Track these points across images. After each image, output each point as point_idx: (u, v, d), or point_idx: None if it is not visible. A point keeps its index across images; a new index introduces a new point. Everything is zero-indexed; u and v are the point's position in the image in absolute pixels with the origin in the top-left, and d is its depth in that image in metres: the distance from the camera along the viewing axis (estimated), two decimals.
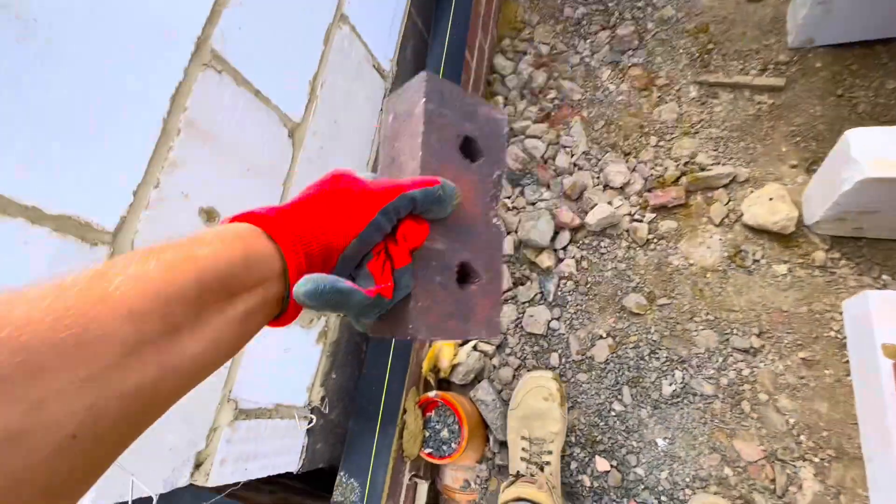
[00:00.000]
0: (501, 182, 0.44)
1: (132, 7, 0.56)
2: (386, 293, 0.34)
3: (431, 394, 0.94)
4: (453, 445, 0.91)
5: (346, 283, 0.31)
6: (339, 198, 0.33)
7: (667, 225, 1.07)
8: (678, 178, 1.10)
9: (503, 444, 1.01)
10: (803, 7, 1.01)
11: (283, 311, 0.32)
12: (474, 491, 1.01)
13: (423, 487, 0.98)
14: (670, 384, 0.96)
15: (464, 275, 0.40)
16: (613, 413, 0.98)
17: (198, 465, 0.73)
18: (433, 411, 0.95)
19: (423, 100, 0.39)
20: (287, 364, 0.91)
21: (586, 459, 0.96)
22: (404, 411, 0.93)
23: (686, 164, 1.11)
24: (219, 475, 0.75)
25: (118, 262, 0.24)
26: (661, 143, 1.15)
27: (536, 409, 0.93)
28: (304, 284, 0.30)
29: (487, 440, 1.03)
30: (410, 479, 0.98)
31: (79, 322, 0.21)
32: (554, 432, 0.92)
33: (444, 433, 0.92)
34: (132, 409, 0.22)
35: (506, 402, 1.04)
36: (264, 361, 0.85)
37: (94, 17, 0.52)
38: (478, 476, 1.01)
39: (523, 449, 0.90)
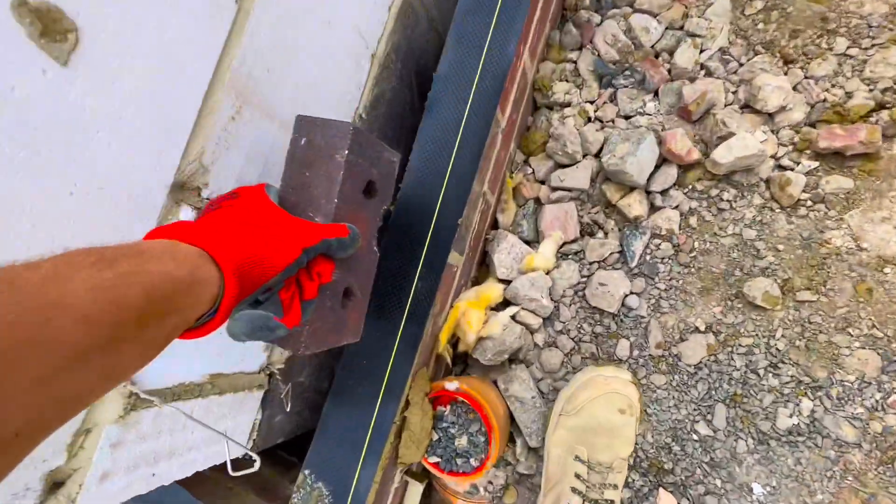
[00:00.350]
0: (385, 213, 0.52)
1: None
2: (295, 323, 0.39)
3: (450, 385, 0.63)
4: (472, 462, 0.62)
5: (274, 321, 0.38)
6: (271, 230, 0.38)
7: (835, 182, 0.70)
8: (870, 113, 0.70)
9: (534, 451, 0.74)
10: None
11: (199, 325, 0.33)
12: (483, 498, 0.75)
13: (415, 491, 0.72)
14: (791, 415, 0.66)
15: (345, 296, 0.48)
16: (695, 437, 0.70)
17: (53, 488, 0.43)
18: (448, 406, 0.65)
19: (347, 151, 0.45)
20: None
21: (645, 490, 0.70)
22: (406, 404, 0.62)
23: (888, 91, 0.70)
24: (99, 496, 0.45)
25: (71, 263, 0.24)
26: (853, 52, 0.74)
27: (607, 422, 0.64)
28: (239, 325, 0.37)
29: (512, 439, 0.76)
30: (401, 480, 0.71)
31: (35, 322, 0.21)
32: (623, 458, 0.64)
33: (462, 442, 0.63)
34: (67, 412, 0.23)
35: (544, 397, 0.74)
36: None
37: None
38: (490, 482, 0.75)
39: (577, 475, 0.62)
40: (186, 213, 0.47)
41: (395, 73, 0.78)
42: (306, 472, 0.64)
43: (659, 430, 0.71)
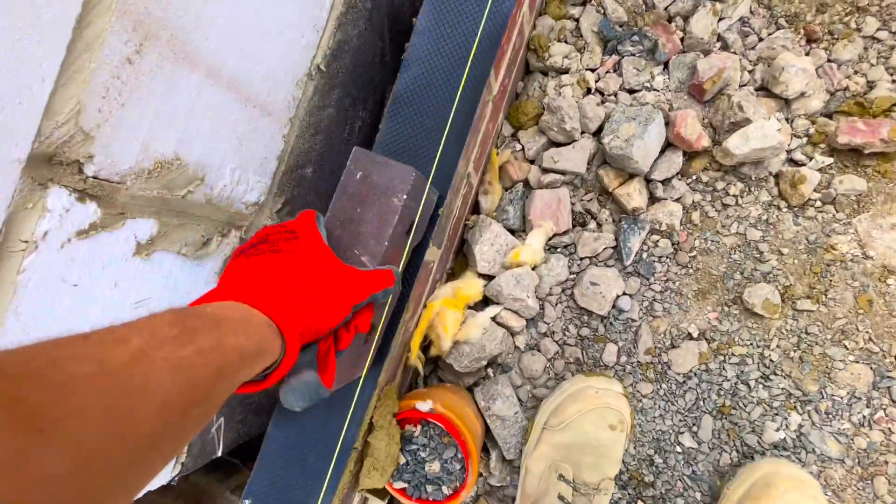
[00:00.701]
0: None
1: None
2: (332, 380, 0.39)
3: (423, 406, 0.54)
4: (444, 490, 0.54)
5: (322, 387, 0.37)
6: (328, 290, 0.38)
7: (849, 182, 0.64)
8: (892, 107, 0.64)
9: (509, 462, 0.67)
10: None
11: (250, 382, 0.33)
12: None
13: None
14: (778, 429, 0.63)
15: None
16: (679, 449, 0.66)
17: None
18: (419, 425, 0.56)
19: (405, 196, 0.45)
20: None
21: (623, 503, 0.66)
22: (370, 427, 0.53)
23: None
24: None
25: (155, 335, 0.24)
26: (882, 36, 0.66)
27: (596, 440, 0.58)
28: (295, 396, 0.36)
29: (485, 449, 0.69)
30: (361, 499, 0.63)
31: (122, 413, 0.21)
32: (610, 478, 0.58)
33: (434, 467, 0.55)
34: (124, 498, 0.23)
35: (523, 405, 0.67)
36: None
37: None
38: None
39: (561, 497, 0.56)
40: (60, 198, 0.33)
41: (364, 16, 0.62)
42: (246, 502, 0.54)
43: (642, 442, 0.67)
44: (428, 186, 0.49)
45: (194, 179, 0.44)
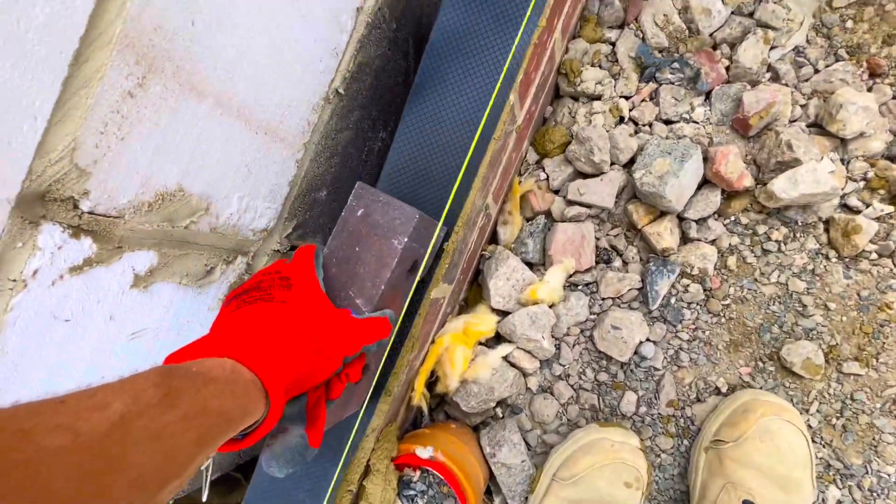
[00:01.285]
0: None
1: None
2: (319, 437, 0.37)
3: (423, 453, 0.51)
4: None
5: (309, 447, 0.36)
6: (319, 342, 0.36)
7: None
8: None
9: None
10: None
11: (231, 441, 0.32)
12: None
13: None
14: (814, 503, 0.57)
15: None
16: None
17: None
18: (417, 471, 0.53)
19: (407, 238, 0.42)
20: (129, 363, 0.43)
21: None
22: (367, 471, 0.50)
23: None
24: None
25: (138, 400, 0.23)
26: None
27: (610, 497, 0.54)
28: (283, 467, 0.35)
29: (489, 492, 0.66)
30: None
31: (93, 491, 0.19)
32: None
33: None
34: None
35: (532, 450, 0.64)
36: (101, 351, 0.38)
37: None
38: None
39: None
40: (53, 235, 0.32)
41: (388, 36, 0.60)
42: None
43: (659, 501, 0.62)
44: (439, 227, 0.47)
45: (198, 210, 0.42)
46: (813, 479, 0.55)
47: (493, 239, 0.70)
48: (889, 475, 0.56)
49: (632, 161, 0.65)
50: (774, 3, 0.64)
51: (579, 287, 0.66)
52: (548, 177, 0.68)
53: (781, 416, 0.55)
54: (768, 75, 0.65)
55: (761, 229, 0.62)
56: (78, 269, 0.35)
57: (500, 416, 0.65)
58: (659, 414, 0.63)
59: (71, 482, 0.18)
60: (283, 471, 0.34)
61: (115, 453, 0.20)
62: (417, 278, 0.47)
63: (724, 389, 0.61)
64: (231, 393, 0.29)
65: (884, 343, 0.58)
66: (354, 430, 0.49)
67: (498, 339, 0.65)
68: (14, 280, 0.31)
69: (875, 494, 0.57)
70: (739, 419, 0.56)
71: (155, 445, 0.22)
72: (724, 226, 0.64)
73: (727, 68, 0.65)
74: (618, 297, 0.65)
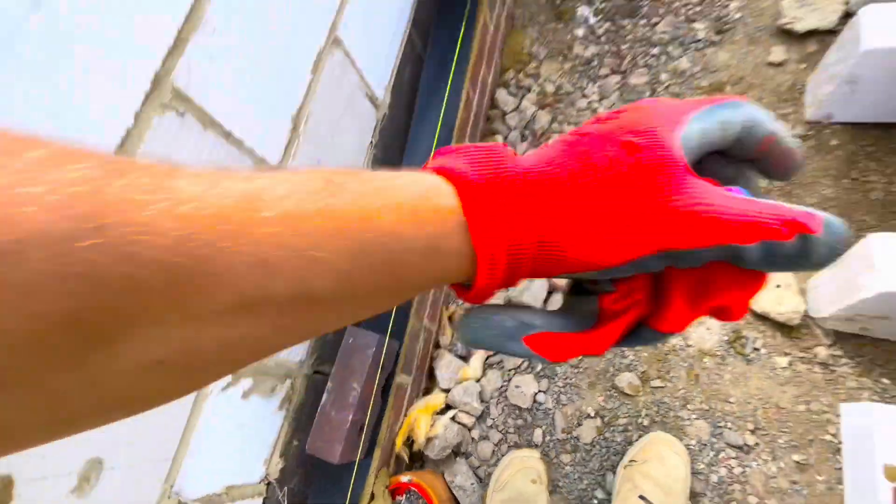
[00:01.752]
0: None
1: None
2: (598, 348, 0.25)
3: (404, 478, 0.86)
4: None
5: (520, 346, 0.24)
6: (617, 203, 0.21)
7: None
8: None
9: None
10: (829, 84, 0.95)
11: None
12: None
13: None
14: None
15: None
16: (595, 501, 0.92)
17: None
18: (404, 494, 0.87)
19: (374, 350, 0.79)
20: (242, 439, 0.81)
21: None
22: (371, 497, 0.84)
23: None
24: None
25: (278, 185, 0.18)
26: None
27: (523, 492, 0.86)
28: (467, 331, 0.25)
29: None
30: None
31: (204, 252, 0.16)
32: None
33: None
34: (228, 357, 0.19)
35: (482, 482, 0.97)
36: (216, 441, 0.75)
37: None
38: None
39: None
40: None
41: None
42: None
43: (569, 500, 0.93)
44: (386, 342, 0.88)
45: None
46: (686, 491, 0.86)
47: (438, 345, 1.11)
48: (693, 444, 0.90)
49: None
50: None
51: (493, 366, 1.06)
52: (462, 304, 1.13)
53: (671, 448, 0.88)
54: None
55: None
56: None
57: (455, 458, 0.99)
58: (558, 439, 0.98)
59: (185, 226, 0.15)
60: (473, 341, 0.24)
61: (241, 219, 0.17)
62: (380, 370, 0.87)
63: (592, 414, 0.98)
64: (412, 216, 0.20)
65: (670, 366, 0.97)
66: (359, 467, 0.84)
67: (448, 408, 1.02)
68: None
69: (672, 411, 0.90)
70: (647, 448, 0.88)
71: (290, 225, 0.18)
72: None
73: None
74: (517, 367, 1.04)
